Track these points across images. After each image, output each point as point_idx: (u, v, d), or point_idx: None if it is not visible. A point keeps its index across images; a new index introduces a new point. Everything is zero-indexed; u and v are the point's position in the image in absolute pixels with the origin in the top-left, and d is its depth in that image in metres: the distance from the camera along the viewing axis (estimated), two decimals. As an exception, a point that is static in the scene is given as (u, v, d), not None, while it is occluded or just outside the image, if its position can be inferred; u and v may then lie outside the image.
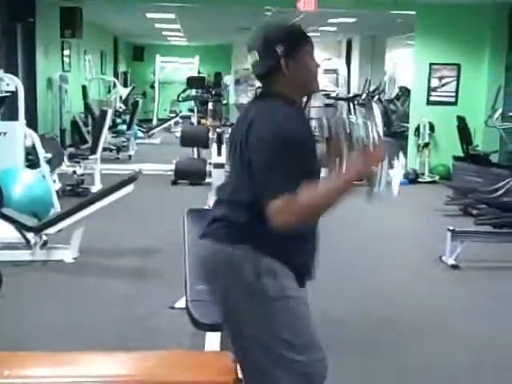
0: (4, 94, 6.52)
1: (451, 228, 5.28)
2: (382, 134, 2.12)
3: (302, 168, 1.99)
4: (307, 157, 2.06)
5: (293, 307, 2.08)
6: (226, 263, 2.09)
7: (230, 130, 6.07)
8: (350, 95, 14.38)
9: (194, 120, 11.75)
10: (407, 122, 10.35)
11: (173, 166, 7.87)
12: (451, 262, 5.25)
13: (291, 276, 2.11)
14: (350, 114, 11.88)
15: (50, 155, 6.62)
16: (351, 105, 13.51)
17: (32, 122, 7.88)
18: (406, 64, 13.50)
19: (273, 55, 2.09)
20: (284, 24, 2.23)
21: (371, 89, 13.66)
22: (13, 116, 6.68)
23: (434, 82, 9.83)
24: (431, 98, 9.89)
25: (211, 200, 4.82)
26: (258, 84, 2.25)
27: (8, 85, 6.66)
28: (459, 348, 3.80)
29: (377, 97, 13.16)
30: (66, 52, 11.95)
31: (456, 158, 8.51)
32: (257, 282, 2.05)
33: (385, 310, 4.33)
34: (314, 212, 2.03)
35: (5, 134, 6.40)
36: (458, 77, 9.72)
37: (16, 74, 7.61)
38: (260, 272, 2.05)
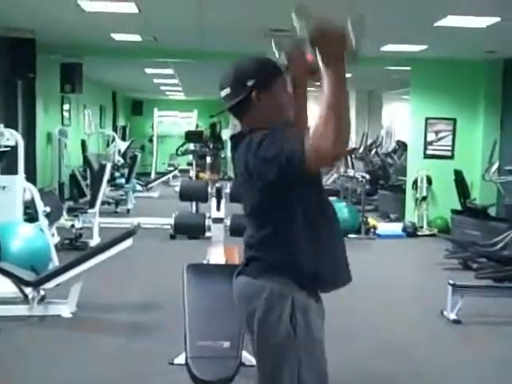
0: (4, 149, 6.55)
1: (452, 282, 5.25)
2: None
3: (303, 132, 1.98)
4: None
5: (314, 351, 2.11)
6: (263, 300, 2.10)
7: (228, 185, 6.09)
8: (348, 149, 14.48)
9: (193, 174, 11.81)
10: (405, 176, 10.42)
11: (171, 220, 7.85)
12: (452, 316, 5.20)
13: (317, 309, 2.16)
14: (348, 167, 11.95)
15: (48, 209, 6.62)
16: (349, 158, 13.59)
17: (31, 176, 7.90)
18: (402, 118, 13.66)
19: (244, 89, 2.11)
20: (254, 58, 2.21)
21: (368, 142, 13.79)
22: (12, 170, 6.70)
23: (431, 136, 9.95)
24: (428, 152, 9.99)
25: (210, 254, 4.81)
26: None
27: (8, 139, 6.71)
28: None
29: (374, 150, 13.29)
30: (66, 107, 12.10)
31: (454, 212, 8.53)
32: (290, 324, 2.07)
33: (384, 366, 4.26)
34: (339, 114, 1.85)
35: (4, 187, 6.42)
36: (454, 131, 9.84)
37: (16, 129, 7.66)
38: (293, 311, 2.07)
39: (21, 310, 4.98)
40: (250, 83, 2.11)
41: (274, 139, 1.99)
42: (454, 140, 9.86)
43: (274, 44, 2.27)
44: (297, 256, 2.10)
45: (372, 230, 9.42)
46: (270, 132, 2.03)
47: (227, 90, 2.16)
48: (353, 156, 13.43)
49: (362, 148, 13.45)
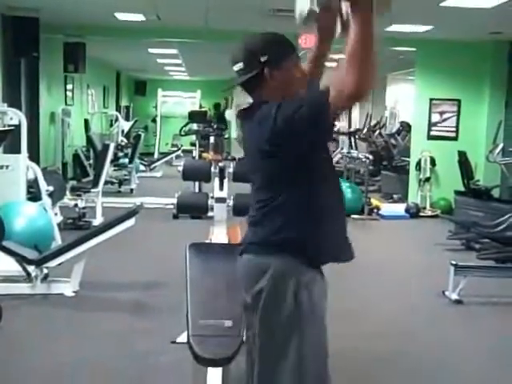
0: (7, 128, 6.55)
1: (454, 262, 5.26)
2: None
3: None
4: None
5: (319, 328, 2.15)
6: (269, 278, 2.12)
7: (231, 164, 6.07)
8: (352, 130, 14.45)
9: (196, 154, 11.79)
10: (408, 157, 10.40)
11: (174, 200, 7.86)
12: (454, 296, 5.22)
13: (322, 283, 2.19)
14: (351, 148, 11.92)
15: (51, 188, 6.63)
16: (352, 139, 13.56)
17: (34, 155, 7.92)
18: (406, 99, 13.59)
19: (257, 65, 2.12)
20: (268, 34, 2.22)
21: (372, 123, 13.74)
22: (15, 149, 6.70)
23: (435, 117, 9.90)
24: (432, 133, 9.95)
25: (213, 234, 4.82)
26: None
27: (11, 119, 6.71)
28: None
29: (378, 131, 13.24)
30: (69, 86, 12.07)
31: (457, 193, 8.51)
32: (294, 303, 2.10)
33: (386, 346, 4.28)
34: (367, 49, 1.90)
35: (7, 167, 6.43)
36: (459, 112, 9.80)
37: (19, 108, 7.66)
38: (298, 289, 2.10)
39: (24, 288, 5.01)
40: (263, 59, 2.11)
41: (293, 99, 2.03)
42: (458, 121, 9.82)
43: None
44: (301, 232, 2.12)
45: (375, 210, 9.42)
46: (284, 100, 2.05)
47: (240, 65, 2.16)
48: (356, 136, 13.40)
49: (365, 129, 13.40)
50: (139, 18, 8.27)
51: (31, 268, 4.99)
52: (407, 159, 10.58)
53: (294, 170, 2.09)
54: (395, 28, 8.40)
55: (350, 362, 3.90)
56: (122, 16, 8.24)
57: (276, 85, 2.13)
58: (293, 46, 2.20)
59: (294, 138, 2.01)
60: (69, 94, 12.10)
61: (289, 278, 2.11)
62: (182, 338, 3.75)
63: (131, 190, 11.24)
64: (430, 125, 9.92)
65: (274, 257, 2.13)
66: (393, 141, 12.83)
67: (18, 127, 6.61)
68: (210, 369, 3.30)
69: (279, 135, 2.02)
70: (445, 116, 9.89)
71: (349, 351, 4.04)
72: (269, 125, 2.02)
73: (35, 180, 6.60)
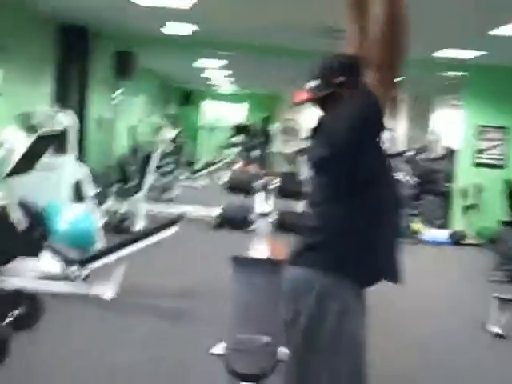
0: (59, 129, 6.65)
1: (497, 295, 5.13)
2: None
3: None
4: None
5: (358, 352, 2.14)
6: (312, 292, 2.11)
7: (274, 181, 6.06)
8: (396, 151, 14.32)
9: (240, 166, 11.84)
10: (451, 182, 10.25)
11: (216, 211, 7.87)
12: (496, 330, 5.08)
13: (362, 310, 2.17)
14: (395, 170, 11.80)
15: (97, 191, 6.71)
16: (396, 161, 13.43)
17: (81, 158, 8.02)
18: (451, 124, 13.44)
19: (332, 85, 2.20)
20: (343, 56, 2.30)
21: (417, 146, 13.60)
22: (63, 151, 6.80)
23: (482, 144, 9.76)
24: (478, 160, 9.80)
25: (254, 247, 4.82)
26: (302, 136, 2.33)
27: (62, 123, 6.81)
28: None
29: (422, 155, 13.10)
30: (118, 93, 12.23)
31: (503, 223, 8.35)
32: (337, 321, 2.09)
33: (422, 377, 4.19)
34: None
35: (55, 168, 6.52)
36: (507, 140, 9.63)
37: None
38: (342, 310, 2.10)
39: (65, 287, 5.06)
40: (339, 80, 2.19)
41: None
42: (506, 149, 9.65)
43: None
44: (356, 251, 2.12)
45: (416, 234, 9.30)
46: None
47: (317, 82, 2.23)
48: (400, 159, 13.27)
49: (410, 151, 13.28)
50: (187, 31, 8.29)
51: (73, 268, 5.05)
52: (451, 185, 10.43)
53: (353, 185, 2.12)
54: (445, 53, 8.32)
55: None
56: (167, 30, 8.27)
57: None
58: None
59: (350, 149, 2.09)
60: (117, 101, 12.25)
61: (333, 297, 2.10)
62: (218, 349, 3.75)
63: (172, 198, 11.31)
64: (477, 152, 9.78)
65: (323, 273, 2.11)
66: (437, 165, 12.67)
67: (68, 130, 6.71)
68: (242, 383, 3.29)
69: (342, 143, 2.09)
70: (492, 143, 9.74)
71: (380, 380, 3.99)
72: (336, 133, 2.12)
73: (82, 182, 6.69)
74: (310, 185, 2.32)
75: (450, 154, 12.92)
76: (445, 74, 9.94)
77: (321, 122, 2.26)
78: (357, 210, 2.11)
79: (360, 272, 2.14)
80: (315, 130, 2.28)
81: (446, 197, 10.59)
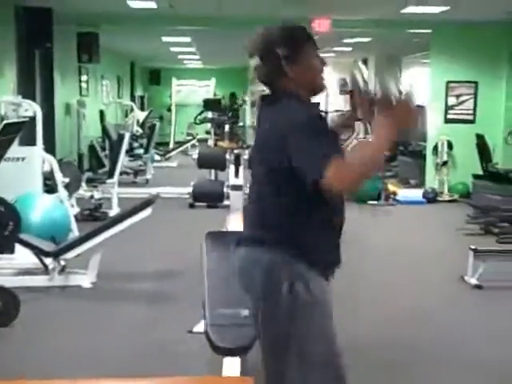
0: (22, 120, 6.55)
1: (473, 247, 5.20)
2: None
3: (335, 140, 2.09)
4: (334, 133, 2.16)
5: (321, 315, 2.09)
6: (262, 270, 2.08)
7: (246, 152, 6.06)
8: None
9: (211, 142, 11.77)
10: (425, 141, 10.29)
11: (190, 189, 7.86)
12: (473, 281, 5.16)
13: (320, 279, 2.12)
14: (367, 134, 11.80)
15: (67, 180, 6.64)
16: (368, 124, 13.44)
17: (50, 147, 7.91)
18: (421, 82, 13.46)
19: (275, 58, 2.08)
20: (285, 25, 2.16)
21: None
22: (31, 141, 6.70)
23: (452, 100, 9.78)
24: (449, 116, 9.83)
25: (229, 222, 4.80)
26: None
27: (26, 110, 6.71)
28: (480, 373, 3.68)
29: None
30: (84, 77, 12.07)
31: (475, 176, 8.42)
32: (290, 294, 2.05)
33: (404, 332, 4.25)
34: (364, 171, 2.00)
35: (23, 159, 6.42)
36: (476, 94, 9.67)
37: (34, 99, 7.66)
38: (293, 283, 2.05)
39: (41, 280, 5.02)
40: (280, 52, 2.07)
41: (317, 131, 1.99)
42: (475, 104, 9.69)
43: (351, 77, 2.27)
44: (298, 229, 2.07)
45: (392, 196, 9.35)
46: (308, 119, 2.02)
47: (257, 60, 2.12)
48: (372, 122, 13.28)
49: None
50: (152, 5, 8.21)
51: (48, 260, 5.01)
52: (423, 143, 10.48)
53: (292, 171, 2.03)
54: (410, 10, 8.29)
55: (367, 347, 3.87)
56: (134, 4, 8.18)
57: (296, 75, 2.09)
58: (310, 35, 2.16)
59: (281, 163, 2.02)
60: (83, 84, 12.10)
61: (283, 269, 2.07)
62: (199, 327, 3.74)
63: (147, 180, 11.25)
64: (447, 108, 9.80)
65: (269, 251, 2.08)
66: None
67: (32, 119, 6.61)
68: (226, 358, 3.29)
69: (280, 146, 2.00)
70: (462, 99, 9.77)
71: (366, 336, 4.03)
72: (281, 131, 2.01)
73: (51, 172, 6.61)
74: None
75: (421, 112, 12.97)
76: (412, 31, 9.91)
77: (265, 113, 2.17)
78: (302, 193, 2.03)
79: (307, 252, 2.09)
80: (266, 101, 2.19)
81: (420, 156, 10.64)
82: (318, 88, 2.17)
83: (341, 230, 2.20)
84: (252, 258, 2.13)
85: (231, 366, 3.24)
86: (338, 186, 1.91)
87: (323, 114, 2.22)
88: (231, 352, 3.16)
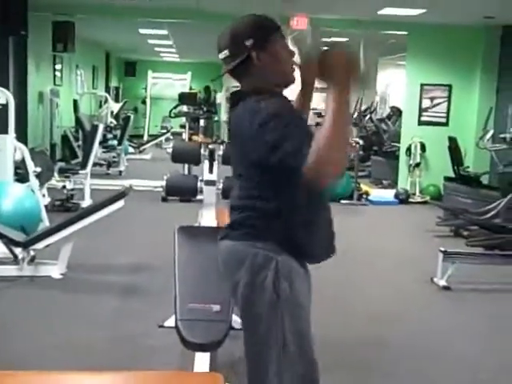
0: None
1: (443, 249, 5.26)
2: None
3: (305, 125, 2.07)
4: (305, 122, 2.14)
5: (299, 316, 2.07)
6: (247, 266, 2.06)
7: (221, 147, 6.03)
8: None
9: (186, 136, 11.72)
10: (398, 142, 10.38)
11: (163, 183, 7.80)
12: (442, 283, 5.22)
13: (303, 274, 2.11)
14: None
15: (39, 169, 6.56)
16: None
17: (22, 136, 7.82)
18: (397, 84, 13.58)
19: (243, 50, 2.05)
20: (250, 16, 2.13)
21: (362, 108, 13.69)
22: (2, 129, 6.61)
23: (426, 103, 9.88)
24: (422, 119, 9.94)
25: (202, 217, 4.79)
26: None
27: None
28: (450, 371, 3.75)
29: (368, 116, 13.20)
30: (58, 66, 11.94)
31: (447, 179, 8.51)
32: (273, 289, 2.03)
33: (375, 333, 4.27)
34: (340, 144, 1.84)
35: (-5, 148, 6.34)
36: (450, 97, 9.78)
37: (7, 87, 7.55)
38: (276, 279, 2.03)
39: (11, 270, 4.96)
40: (248, 43, 2.04)
41: (280, 125, 1.91)
42: (449, 107, 9.80)
43: (294, 41, 2.22)
44: (283, 222, 2.06)
45: (364, 196, 9.42)
46: (277, 111, 1.95)
47: (226, 52, 2.10)
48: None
49: (355, 113, 13.36)
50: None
51: (18, 250, 4.95)
52: (397, 145, 10.57)
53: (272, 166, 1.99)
54: (387, 11, 8.35)
55: (338, 348, 3.90)
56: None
57: (265, 67, 2.07)
58: (276, 24, 2.13)
59: (261, 159, 1.97)
60: (57, 74, 11.97)
61: (267, 264, 2.04)
62: (170, 321, 3.73)
63: (120, 172, 11.17)
64: (421, 110, 9.90)
65: (254, 245, 2.06)
66: (383, 126, 12.81)
67: (5, 107, 6.52)
68: (197, 353, 3.29)
69: (252, 143, 1.98)
70: (435, 101, 9.87)
71: (336, 337, 4.05)
72: (250, 128, 1.97)
73: (23, 161, 6.53)
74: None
75: (396, 113, 13.08)
76: (389, 32, 9.98)
77: (236, 110, 2.11)
78: (286, 185, 2.02)
79: (292, 244, 2.08)
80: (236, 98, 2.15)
81: (393, 157, 10.73)
82: (288, 79, 2.13)
83: (331, 222, 2.19)
84: (237, 253, 2.10)
85: (203, 360, 3.23)
86: (324, 167, 1.81)
87: (292, 104, 2.20)
88: (201, 347, 3.16)
